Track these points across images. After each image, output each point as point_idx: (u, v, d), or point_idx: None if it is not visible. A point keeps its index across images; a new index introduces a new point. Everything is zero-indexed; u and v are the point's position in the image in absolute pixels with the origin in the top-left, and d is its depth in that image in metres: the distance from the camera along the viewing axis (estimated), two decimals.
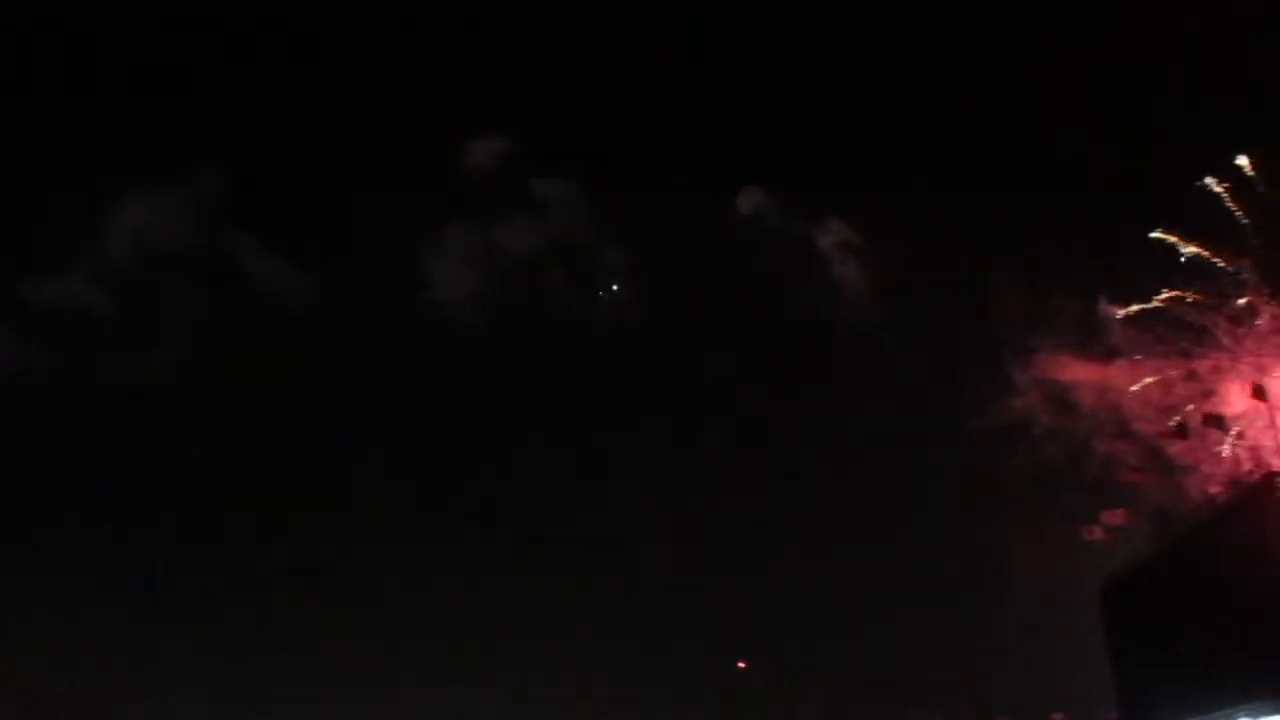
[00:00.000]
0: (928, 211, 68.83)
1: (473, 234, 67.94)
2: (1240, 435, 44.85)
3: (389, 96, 71.32)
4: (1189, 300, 49.38)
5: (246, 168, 68.84)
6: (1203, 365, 49.59)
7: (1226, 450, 46.26)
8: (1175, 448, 48.47)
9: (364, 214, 68.50)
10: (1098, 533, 48.69)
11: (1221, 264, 48.85)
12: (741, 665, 59.84)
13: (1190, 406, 48.39)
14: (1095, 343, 53.36)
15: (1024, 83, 68.63)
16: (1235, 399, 48.35)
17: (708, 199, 68.55)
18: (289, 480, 70.17)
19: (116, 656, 61.19)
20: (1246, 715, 29.88)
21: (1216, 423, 42.48)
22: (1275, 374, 46.70)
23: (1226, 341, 48.84)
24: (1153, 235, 50.27)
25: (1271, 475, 31.15)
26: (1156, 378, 50.41)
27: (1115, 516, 47.35)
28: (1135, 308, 51.43)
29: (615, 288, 66.34)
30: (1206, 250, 49.22)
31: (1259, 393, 39.83)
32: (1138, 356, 51.45)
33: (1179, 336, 50.35)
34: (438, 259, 68.52)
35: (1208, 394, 49.32)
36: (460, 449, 74.23)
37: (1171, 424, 44.21)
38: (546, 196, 67.96)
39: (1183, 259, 49.77)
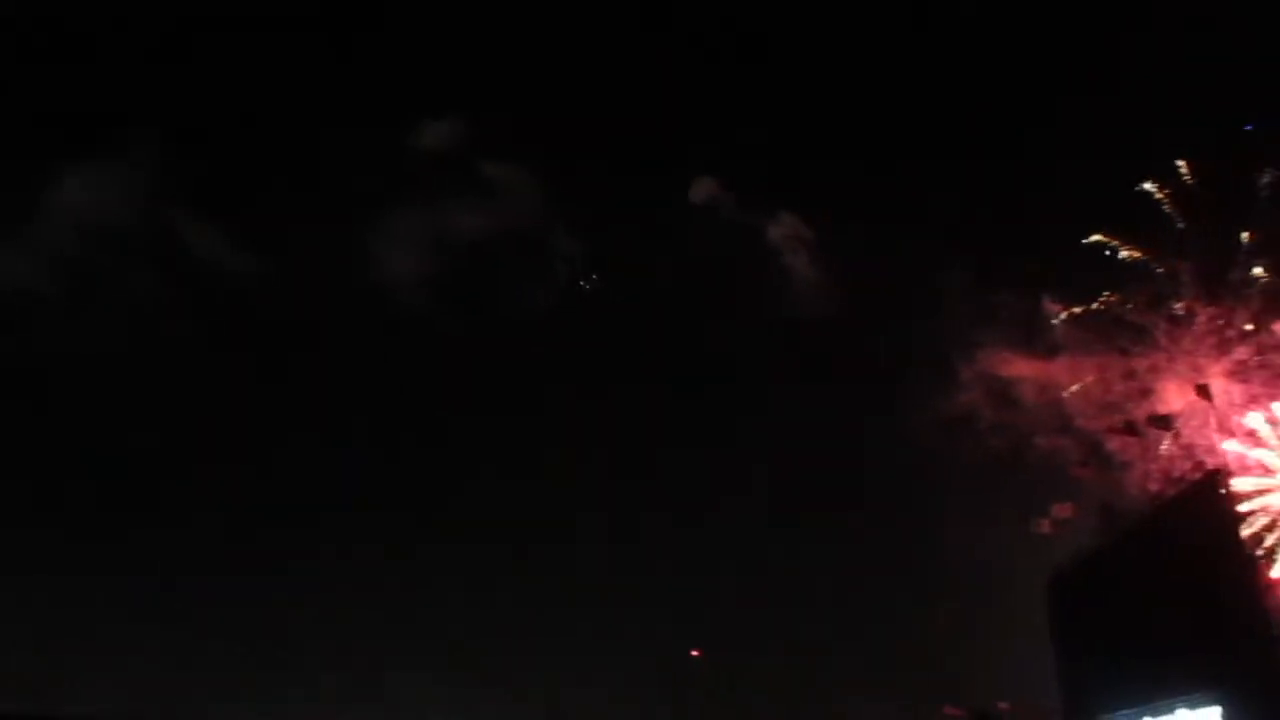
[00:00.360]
0: (878, 207, 69.84)
1: (422, 217, 67.05)
2: (1176, 435, 46.25)
3: (338, 73, 69.50)
4: (1128, 303, 50.82)
5: (190, 144, 66.99)
6: (1141, 364, 51.05)
7: (1166, 448, 47.71)
8: (1114, 443, 49.86)
9: (310, 194, 66.94)
10: (1046, 526, 49.87)
11: (1159, 268, 50.37)
12: (695, 654, 60.09)
13: (1130, 404, 49.98)
14: (1038, 339, 54.70)
15: (978, 81, 69.40)
16: (1172, 398, 49.82)
17: (662, 188, 68.58)
18: (226, 461, 68.83)
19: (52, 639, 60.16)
20: (1185, 707, 30.61)
21: (1163, 422, 43.65)
22: (1211, 374, 48.21)
23: (1164, 341, 50.33)
24: (1089, 240, 51.76)
25: (1213, 473, 31.95)
26: (1096, 375, 51.86)
27: (1063, 510, 48.54)
28: (1077, 309, 52.84)
29: (594, 276, 65.51)
30: (1144, 253, 50.62)
31: (1203, 392, 40.97)
32: (1078, 354, 52.92)
33: (1119, 335, 51.80)
34: (385, 242, 67.50)
35: (1145, 392, 50.76)
36: (404, 436, 73.30)
37: (1121, 422, 45.28)
38: (499, 181, 67.33)
39: (1123, 260, 51.24)
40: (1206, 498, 31.30)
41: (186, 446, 68.39)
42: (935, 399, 56.93)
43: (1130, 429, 43.62)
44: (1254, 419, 45.79)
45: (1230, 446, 44.91)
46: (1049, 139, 65.38)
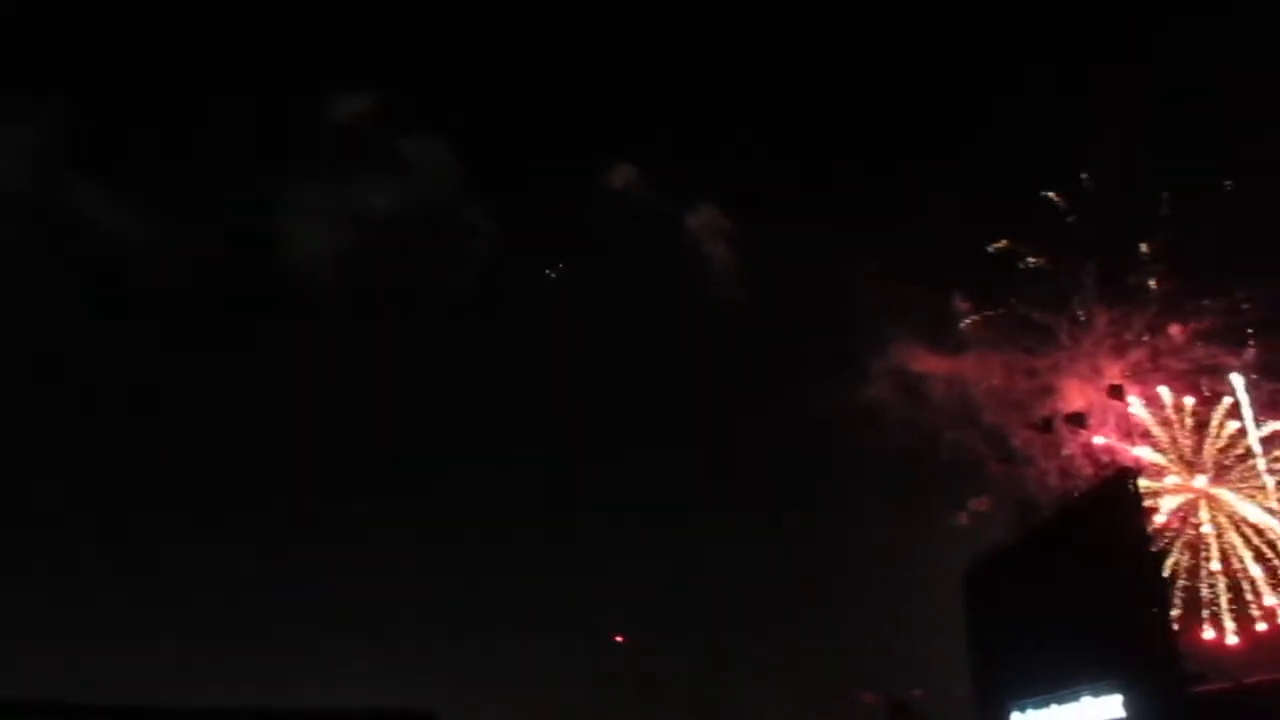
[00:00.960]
0: (793, 200, 70.27)
1: (331, 192, 64.45)
2: (1083, 433, 48.19)
3: (247, 41, 66.77)
4: (1032, 305, 52.88)
5: (91, 111, 63.79)
6: (1044, 363, 53.09)
7: (1072, 447, 49.74)
8: (1022, 440, 51.79)
9: (215, 165, 64.59)
10: (964, 518, 51.58)
11: (1062, 272, 52.46)
12: (618, 639, 60.44)
13: (1033, 401, 52.00)
14: (946, 336, 56.44)
15: (894, 79, 70.87)
16: (1074, 396, 51.99)
17: (577, 172, 67.48)
18: (116, 439, 66.11)
19: None
20: (1089, 695, 31.97)
21: (1077, 420, 45.32)
22: (1110, 375, 50.44)
23: (1066, 342, 52.44)
24: (996, 246, 53.64)
25: (1123, 471, 33.29)
26: (1002, 373, 53.79)
27: (979, 504, 50.25)
28: (987, 311, 54.71)
29: (561, 265, 64.39)
30: (1047, 259, 52.69)
31: (1116, 393, 42.64)
32: (985, 352, 54.81)
33: (1023, 335, 53.78)
34: (293, 216, 64.83)
35: (1048, 390, 52.80)
36: (310, 414, 71.43)
37: (1038, 419, 46.86)
38: (412, 157, 64.75)
39: (1029, 264, 53.23)
40: (1115, 496, 32.64)
41: (77, 418, 65.66)
42: (846, 392, 58.34)
43: (1046, 426, 45.14)
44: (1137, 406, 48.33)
45: (1135, 450, 47.26)
46: (963, 143, 67.68)
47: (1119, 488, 32.59)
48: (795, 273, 65.36)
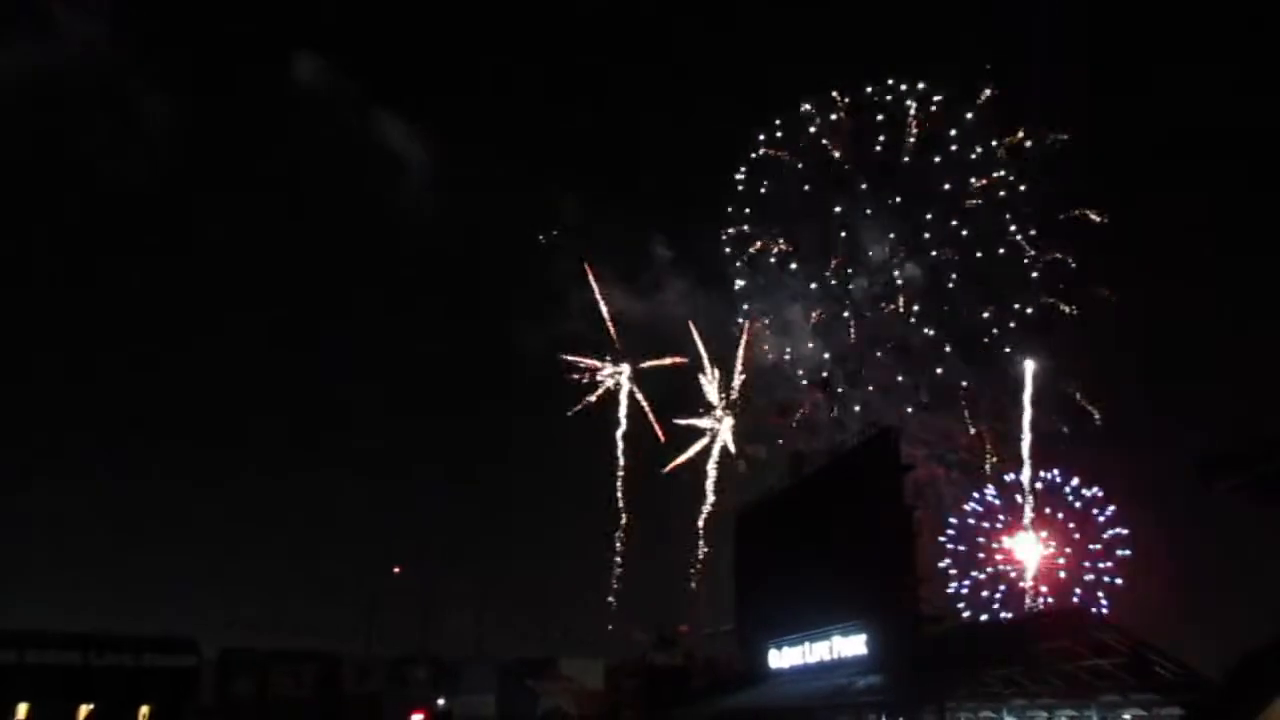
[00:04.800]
0: (501, 123, 72.56)
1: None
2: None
3: None
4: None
5: None
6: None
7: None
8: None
9: None
10: (742, 467, 54.06)
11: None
12: (396, 570, 59.71)
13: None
14: (646, 277, 59.28)
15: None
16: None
17: (261, 60, 65.51)
18: None
19: None
20: (839, 634, 34.64)
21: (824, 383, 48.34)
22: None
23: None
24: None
25: (885, 430, 35.70)
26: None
27: (757, 450, 52.80)
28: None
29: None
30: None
31: (828, 385, 45.54)
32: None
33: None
34: None
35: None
36: None
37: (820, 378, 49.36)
38: (70, 24, 57.04)
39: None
40: (873, 453, 35.11)
41: None
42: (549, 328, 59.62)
43: (825, 385, 47.66)
44: None
45: None
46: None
47: (879, 446, 35.04)
48: (497, 196, 65.47)
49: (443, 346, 71.68)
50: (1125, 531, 48.86)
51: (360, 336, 73.27)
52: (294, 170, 63.66)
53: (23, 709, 42.06)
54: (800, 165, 56.40)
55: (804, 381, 55.41)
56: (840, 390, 53.68)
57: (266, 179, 66.38)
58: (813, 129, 56.14)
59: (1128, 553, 48.64)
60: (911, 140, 53.95)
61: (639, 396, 57.87)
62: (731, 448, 57.37)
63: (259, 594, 67.85)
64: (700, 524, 57.48)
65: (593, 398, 57.36)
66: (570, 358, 57.17)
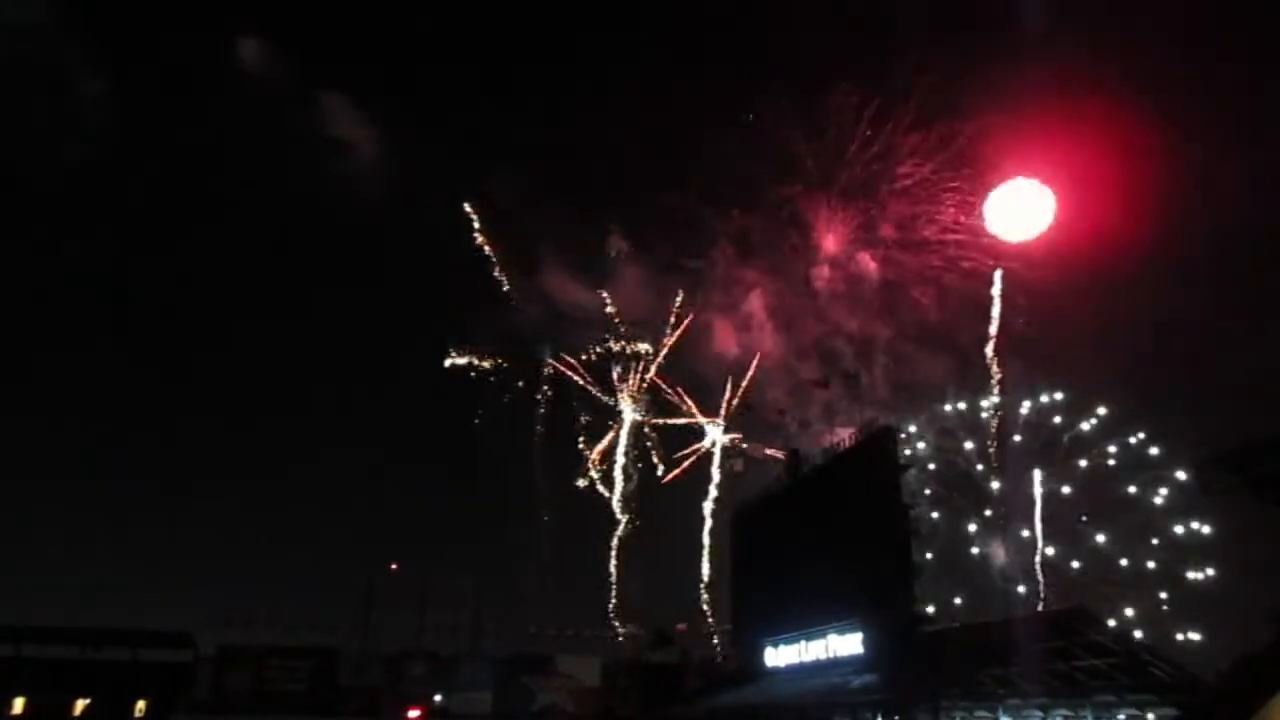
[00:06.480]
0: (441, 112, 72.01)
1: None
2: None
3: None
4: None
5: None
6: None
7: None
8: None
9: None
10: (739, 465, 53.95)
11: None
12: (393, 566, 59.84)
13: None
14: (597, 269, 60.05)
15: None
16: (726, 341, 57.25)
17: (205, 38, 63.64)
18: None
19: None
20: (835, 633, 34.60)
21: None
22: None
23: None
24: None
25: (883, 430, 35.52)
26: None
27: (755, 449, 52.66)
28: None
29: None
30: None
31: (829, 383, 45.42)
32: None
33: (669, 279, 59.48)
34: None
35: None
36: None
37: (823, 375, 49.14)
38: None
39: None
40: (872, 453, 34.94)
41: None
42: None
43: (824, 382, 47.30)
44: None
45: None
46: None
47: (876, 445, 34.88)
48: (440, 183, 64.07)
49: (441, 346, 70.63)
50: None
51: (360, 336, 72.71)
52: None
53: (20, 703, 42.17)
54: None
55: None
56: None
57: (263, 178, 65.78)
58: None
59: None
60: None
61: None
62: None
63: (255, 590, 67.70)
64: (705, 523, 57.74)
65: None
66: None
